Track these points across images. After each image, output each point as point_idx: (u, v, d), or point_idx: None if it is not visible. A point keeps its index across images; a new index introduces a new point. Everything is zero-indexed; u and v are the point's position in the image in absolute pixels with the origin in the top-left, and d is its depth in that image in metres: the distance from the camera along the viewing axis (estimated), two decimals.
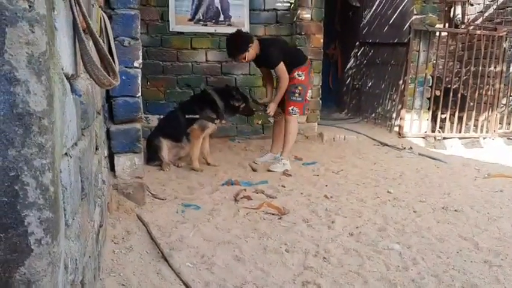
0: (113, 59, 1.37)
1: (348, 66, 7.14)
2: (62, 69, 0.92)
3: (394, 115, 5.68)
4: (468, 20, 6.45)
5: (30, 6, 0.67)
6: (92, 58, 1.09)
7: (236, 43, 3.89)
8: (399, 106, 5.55)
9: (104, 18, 1.98)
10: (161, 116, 4.59)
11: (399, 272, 2.18)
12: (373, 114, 6.25)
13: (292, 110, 4.04)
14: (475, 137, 5.67)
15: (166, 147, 4.04)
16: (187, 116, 4.01)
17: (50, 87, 0.71)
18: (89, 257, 1.42)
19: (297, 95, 4.00)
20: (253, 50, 3.90)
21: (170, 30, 5.04)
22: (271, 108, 4.06)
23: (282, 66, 3.90)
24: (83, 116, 1.39)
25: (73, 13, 1.06)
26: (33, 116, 0.68)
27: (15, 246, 0.70)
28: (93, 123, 1.76)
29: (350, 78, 7.09)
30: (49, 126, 0.70)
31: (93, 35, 1.16)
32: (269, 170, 4.00)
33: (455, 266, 2.25)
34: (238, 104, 4.15)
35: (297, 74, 3.99)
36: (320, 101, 5.42)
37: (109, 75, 1.18)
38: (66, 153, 1.01)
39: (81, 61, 1.25)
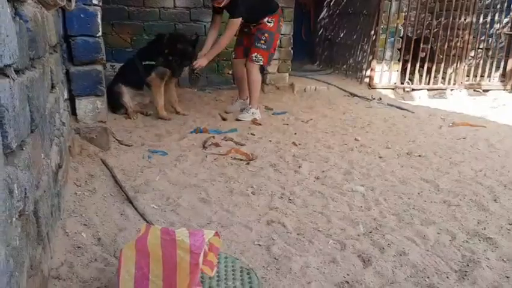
0: None
1: (320, 16, 7.02)
2: None
3: (365, 66, 5.67)
4: None
5: None
6: None
7: None
8: (370, 57, 5.53)
9: None
10: None
11: (361, 212, 2.23)
12: (344, 66, 6.22)
13: (255, 57, 3.88)
14: (442, 89, 5.76)
15: (127, 94, 3.89)
16: (144, 63, 3.86)
17: None
18: (44, 191, 1.37)
19: (262, 41, 3.86)
20: None
21: None
22: (200, 62, 3.77)
23: (237, 21, 3.69)
24: (31, 45, 1.30)
25: None
26: None
27: None
28: (46, 57, 1.66)
29: (322, 29, 6.99)
30: None
31: None
32: (237, 120, 3.96)
33: (416, 206, 2.32)
34: (175, 64, 3.83)
35: (267, 21, 3.86)
36: (292, 51, 5.34)
37: None
38: (6, 74, 0.95)
39: None
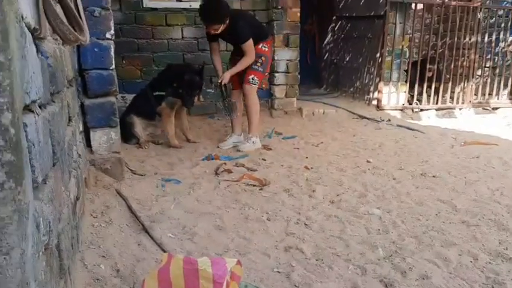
0: (81, 18, 1.31)
1: (325, 41, 7.11)
2: (22, 17, 0.86)
3: (372, 88, 5.71)
4: None
5: None
6: (55, 11, 1.03)
7: (216, 11, 3.55)
8: (377, 79, 5.57)
9: None
10: None
11: (380, 235, 2.21)
12: (351, 88, 6.26)
13: (252, 79, 3.80)
14: (451, 108, 5.76)
15: (139, 124, 3.94)
16: (154, 94, 3.91)
17: (4, 21, 0.66)
18: (67, 223, 1.38)
19: (259, 64, 3.81)
20: (227, 23, 3.63)
21: (144, 6, 4.90)
22: (225, 77, 3.76)
23: (251, 42, 3.69)
24: (51, 80, 1.33)
25: None
26: None
27: None
28: (64, 91, 1.70)
29: (327, 53, 7.07)
30: (5, 63, 0.66)
31: None
32: (238, 151, 3.85)
33: (434, 227, 2.29)
34: (172, 91, 3.87)
35: (262, 46, 3.82)
36: (299, 76, 5.39)
37: (75, 31, 1.13)
38: (31, 110, 0.97)
39: (46, 21, 1.19)
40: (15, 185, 0.69)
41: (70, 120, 1.90)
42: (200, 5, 3.83)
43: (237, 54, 3.87)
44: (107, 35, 2.53)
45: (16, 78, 0.70)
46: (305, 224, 2.32)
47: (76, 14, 1.18)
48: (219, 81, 3.82)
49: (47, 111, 1.22)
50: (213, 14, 3.56)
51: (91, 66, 2.53)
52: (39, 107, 1.09)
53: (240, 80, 3.90)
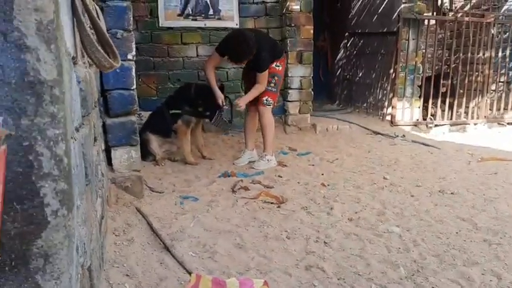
0: None
1: (338, 57, 7.16)
2: (66, 47, 0.90)
3: (386, 104, 5.71)
4: (456, 7, 6.50)
5: None
6: (92, 40, 1.08)
7: (245, 48, 3.59)
8: (391, 95, 5.58)
9: (96, 10, 1.96)
10: None
11: (400, 254, 2.19)
12: (365, 104, 6.27)
13: (266, 100, 3.85)
14: (465, 123, 5.73)
15: (155, 141, 3.98)
16: (171, 112, 3.97)
17: (60, 56, 0.70)
18: (96, 243, 1.41)
19: (272, 85, 3.86)
20: None
21: (160, 25, 5.00)
22: (241, 102, 3.80)
23: (266, 73, 3.75)
24: (83, 103, 1.38)
25: None
26: (44, 84, 0.67)
27: (32, 218, 0.69)
28: (92, 113, 1.74)
29: (340, 69, 7.11)
30: (60, 96, 0.69)
31: (91, 15, 1.14)
32: (252, 168, 3.85)
33: (456, 246, 2.27)
34: (201, 110, 3.97)
35: (275, 65, 3.86)
36: (312, 93, 5.42)
37: (109, 57, 1.17)
38: (72, 136, 1.00)
39: (80, 46, 1.23)
40: (67, 212, 0.72)
41: (95, 140, 1.95)
42: (228, 45, 3.72)
43: (250, 68, 3.89)
44: (129, 56, 2.59)
45: (68, 110, 0.74)
46: (325, 243, 2.32)
47: (109, 40, 1.22)
48: (236, 104, 3.84)
49: (80, 134, 1.25)
50: (240, 52, 3.62)
51: (113, 87, 2.59)
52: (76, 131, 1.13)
53: (255, 101, 3.91)
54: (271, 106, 3.94)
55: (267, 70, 3.75)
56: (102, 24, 1.86)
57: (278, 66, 3.88)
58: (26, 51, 0.66)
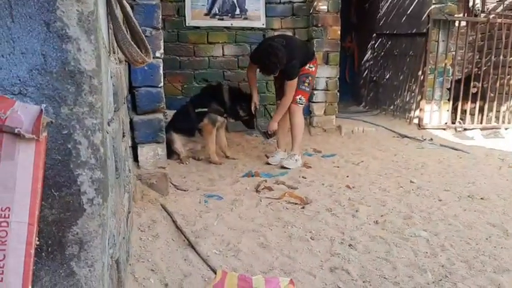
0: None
1: (365, 58, 7.08)
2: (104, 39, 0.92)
3: (413, 106, 5.60)
4: (487, 9, 6.33)
5: None
6: (125, 34, 1.09)
7: (274, 61, 3.62)
8: (419, 97, 5.47)
9: (127, 8, 1.99)
10: None
11: (428, 258, 2.15)
12: (391, 106, 6.18)
13: (299, 99, 3.89)
14: (496, 128, 5.57)
15: (179, 141, 4.01)
16: (196, 110, 3.99)
17: (98, 48, 0.71)
18: (123, 238, 1.42)
19: (306, 84, 3.89)
20: None
21: (187, 25, 5.04)
22: (271, 127, 4.00)
23: (295, 82, 3.79)
24: (114, 98, 1.39)
25: None
26: (84, 74, 0.68)
27: (68, 205, 0.70)
28: (121, 109, 1.77)
29: (367, 71, 7.02)
30: (98, 87, 0.70)
31: (125, 11, 1.15)
32: (283, 167, 3.87)
33: (485, 252, 2.21)
34: (242, 113, 4.12)
35: (308, 66, 3.91)
36: (338, 94, 5.37)
37: (141, 52, 1.18)
38: (105, 129, 1.01)
39: (113, 42, 1.25)
40: (102, 200, 0.73)
41: (123, 136, 1.97)
42: (259, 56, 3.78)
43: (280, 78, 3.95)
44: (157, 54, 2.62)
45: (104, 100, 0.75)
46: (350, 245, 2.29)
47: (142, 34, 1.24)
48: (269, 132, 4.05)
49: (111, 129, 1.27)
50: (273, 64, 3.64)
51: (141, 84, 2.62)
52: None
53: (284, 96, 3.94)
54: (303, 105, 3.99)
55: (295, 80, 3.80)
56: (135, 19, 1.89)
57: (311, 67, 3.93)
58: (68, 41, 0.68)
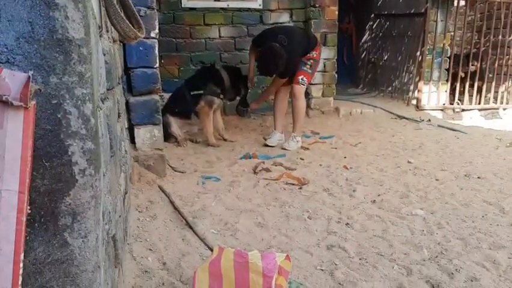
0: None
1: (363, 39, 7.02)
2: (94, 14, 0.90)
3: (411, 88, 5.59)
4: None
5: None
6: (117, 9, 1.07)
7: (276, 65, 3.71)
8: (417, 78, 5.45)
9: None
10: None
11: (424, 236, 2.16)
12: (390, 88, 6.15)
13: (301, 79, 3.90)
14: (494, 108, 5.56)
15: (175, 124, 3.99)
16: (192, 93, 3.97)
17: (87, 16, 0.69)
18: (119, 216, 1.43)
19: (308, 66, 3.92)
20: None
21: (183, 6, 4.97)
22: (252, 106, 4.32)
23: (283, 80, 3.95)
24: (107, 76, 1.38)
25: None
26: (72, 43, 0.67)
27: (60, 175, 0.70)
28: (116, 88, 1.75)
29: (365, 52, 6.97)
30: (88, 56, 0.69)
31: None
32: (284, 149, 3.90)
33: (481, 229, 2.23)
34: (242, 89, 4.18)
35: (310, 54, 3.93)
36: (336, 75, 5.34)
37: (133, 27, 1.17)
38: (98, 106, 1.01)
39: (105, 16, 1.23)
40: (94, 172, 0.72)
41: (119, 116, 1.96)
42: (260, 58, 3.85)
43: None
44: (152, 34, 2.59)
45: (95, 71, 0.74)
46: (347, 224, 2.30)
47: (134, 9, 1.22)
48: (249, 86, 4.18)
49: (105, 106, 1.26)
50: (271, 66, 3.75)
51: (136, 65, 2.60)
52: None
53: (289, 79, 3.99)
54: (305, 86, 3.99)
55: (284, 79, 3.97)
56: None
57: (313, 54, 3.95)
58: (55, 9, 0.66)
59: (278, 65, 3.70)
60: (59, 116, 0.69)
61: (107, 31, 1.50)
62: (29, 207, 0.65)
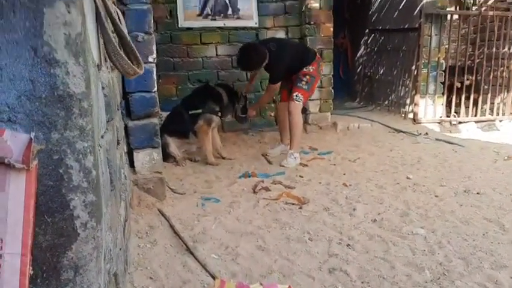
0: None
1: (358, 54, 7.08)
2: (93, 58, 0.91)
3: (408, 101, 5.62)
4: (479, 1, 6.34)
5: None
6: (116, 47, 1.08)
7: (251, 59, 3.90)
8: (413, 92, 5.48)
9: (118, 14, 1.97)
10: None
11: (425, 256, 2.16)
12: (386, 102, 6.19)
13: (296, 96, 3.93)
14: (491, 120, 5.59)
15: (173, 143, 3.99)
16: (190, 112, 3.98)
17: (87, 70, 0.70)
18: (120, 249, 1.42)
19: (304, 82, 3.94)
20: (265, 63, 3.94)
21: (179, 26, 5.01)
22: (250, 113, 4.34)
23: (275, 87, 4.03)
24: (107, 109, 1.39)
25: (95, 2, 1.06)
26: (73, 98, 0.68)
27: (62, 230, 0.70)
28: (115, 116, 1.76)
29: (361, 67, 7.03)
30: (88, 109, 0.70)
31: (115, 23, 1.15)
32: (282, 166, 3.90)
33: (482, 248, 2.22)
34: (240, 105, 4.26)
35: (306, 68, 3.97)
36: (332, 91, 5.37)
37: (132, 64, 1.18)
38: (98, 144, 1.01)
39: (104, 52, 1.24)
40: (96, 224, 0.73)
41: (118, 143, 1.97)
42: (239, 51, 4.06)
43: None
44: (150, 59, 2.61)
45: (95, 121, 0.74)
46: (348, 245, 2.29)
47: (133, 46, 1.23)
48: (243, 92, 4.30)
49: (104, 141, 1.26)
50: (247, 62, 3.96)
51: (135, 89, 2.61)
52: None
53: (288, 93, 4.08)
54: (301, 103, 4.01)
55: (277, 85, 4.03)
56: (125, 30, 1.88)
57: (309, 68, 3.98)
58: (56, 66, 0.67)
59: (252, 60, 3.88)
60: (60, 171, 0.69)
61: (106, 61, 1.51)
62: (31, 268, 0.65)
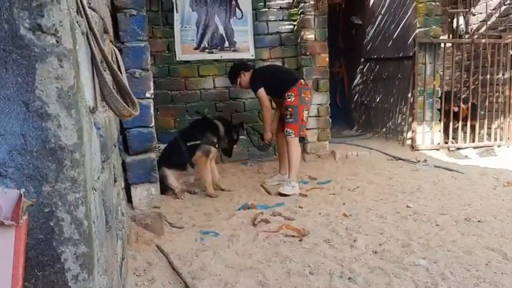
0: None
1: (354, 82, 7.17)
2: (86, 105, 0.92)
3: (405, 128, 5.65)
4: (471, 29, 6.47)
5: (57, 42, 0.67)
6: (111, 90, 1.10)
7: (231, 71, 4.41)
8: (410, 119, 5.52)
9: (115, 52, 2.01)
10: None
11: None
12: (384, 129, 6.22)
13: (286, 131, 4.04)
14: (489, 146, 5.61)
15: (171, 175, 3.99)
16: (188, 144, 4.01)
17: (80, 120, 0.71)
18: None
19: (288, 116, 4.02)
20: (246, 77, 4.24)
21: (177, 59, 5.10)
22: (266, 137, 4.36)
23: (261, 93, 4.13)
24: (102, 149, 1.39)
25: (91, 47, 1.08)
26: (65, 150, 0.68)
27: (53, 284, 0.69)
28: (112, 154, 1.76)
29: (357, 95, 7.11)
30: (80, 160, 0.70)
31: (111, 67, 1.17)
32: (280, 193, 3.91)
33: (486, 279, 2.18)
34: (235, 137, 4.33)
35: (287, 95, 4.02)
36: (330, 120, 5.41)
37: (128, 106, 1.19)
38: (93, 187, 1.01)
39: (99, 94, 1.26)
40: (88, 275, 0.72)
41: (115, 180, 1.96)
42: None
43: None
44: (147, 94, 2.64)
45: (88, 171, 0.74)
46: (349, 278, 2.25)
47: (128, 89, 1.25)
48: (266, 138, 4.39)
49: (100, 182, 1.26)
50: (229, 75, 4.49)
51: (132, 125, 2.63)
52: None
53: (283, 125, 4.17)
54: (294, 136, 4.04)
55: (262, 92, 4.13)
56: (122, 69, 1.91)
57: (289, 97, 4.05)
58: (48, 119, 0.68)
59: (233, 75, 4.36)
60: (51, 223, 0.69)
61: (102, 100, 1.53)
62: None
